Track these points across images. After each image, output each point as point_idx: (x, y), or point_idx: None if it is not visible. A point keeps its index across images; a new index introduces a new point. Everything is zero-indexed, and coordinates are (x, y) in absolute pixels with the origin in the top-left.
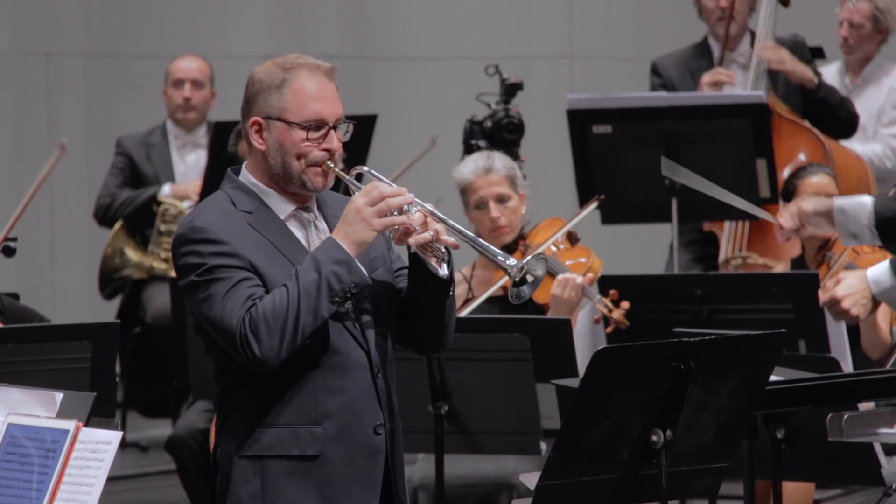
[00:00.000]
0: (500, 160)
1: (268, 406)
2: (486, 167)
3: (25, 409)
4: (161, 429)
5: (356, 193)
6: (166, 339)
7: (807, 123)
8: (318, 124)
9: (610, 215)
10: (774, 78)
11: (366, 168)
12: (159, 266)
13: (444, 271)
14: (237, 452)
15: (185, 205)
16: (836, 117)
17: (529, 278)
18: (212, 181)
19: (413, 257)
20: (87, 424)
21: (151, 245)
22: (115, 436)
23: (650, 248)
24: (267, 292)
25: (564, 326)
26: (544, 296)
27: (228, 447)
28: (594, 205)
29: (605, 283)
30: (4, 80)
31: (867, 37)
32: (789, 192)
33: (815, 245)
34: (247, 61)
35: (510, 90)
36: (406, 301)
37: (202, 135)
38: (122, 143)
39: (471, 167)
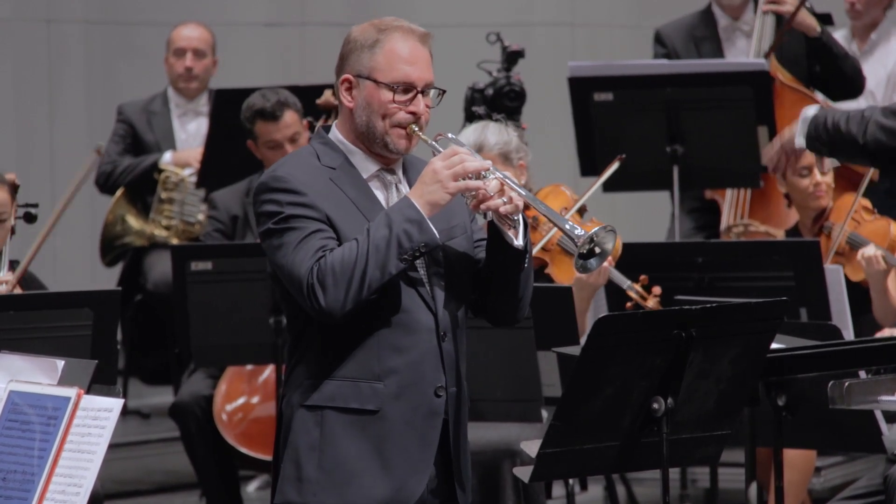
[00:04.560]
0: (493, 135)
1: (333, 359)
2: (477, 145)
3: (27, 377)
4: (162, 396)
5: (436, 156)
6: (167, 307)
7: (810, 91)
8: (407, 87)
9: (611, 183)
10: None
11: (451, 135)
12: (160, 233)
13: (519, 242)
14: (300, 402)
15: (187, 172)
16: (840, 71)
17: (597, 250)
18: (213, 149)
19: (490, 226)
20: (88, 392)
21: (152, 213)
22: (116, 403)
23: (651, 216)
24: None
25: (566, 294)
26: (567, 277)
27: (292, 397)
28: (616, 165)
29: None
30: (6, 47)
31: (874, 1)
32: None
33: (810, 215)
34: (248, 28)
35: (511, 58)
36: (483, 272)
37: (203, 103)
38: (123, 111)
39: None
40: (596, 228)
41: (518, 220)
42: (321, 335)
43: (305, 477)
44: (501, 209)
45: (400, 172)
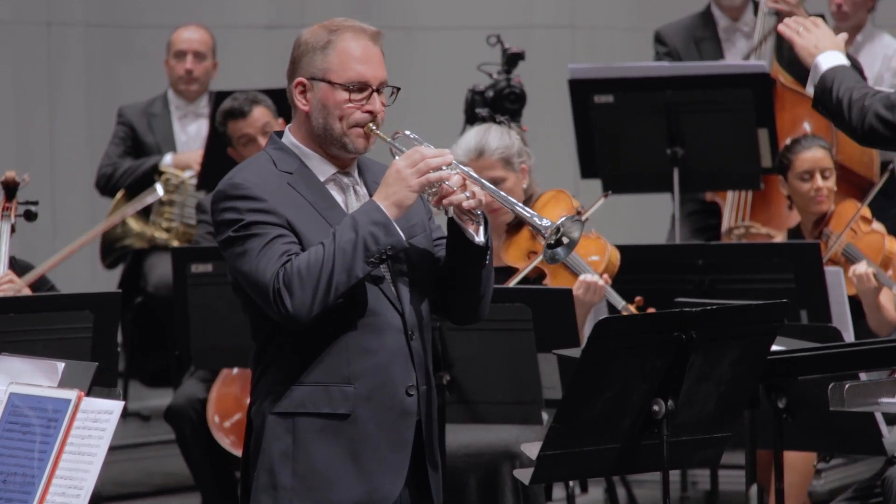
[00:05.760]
0: (495, 138)
1: (301, 364)
2: (478, 150)
3: (27, 379)
4: (163, 398)
5: (397, 157)
6: (168, 309)
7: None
8: (361, 86)
9: (611, 185)
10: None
11: (408, 132)
12: (161, 236)
13: (480, 238)
14: (270, 409)
15: (187, 174)
16: None
17: (565, 240)
18: (213, 151)
19: (450, 223)
20: (88, 394)
21: (153, 215)
22: (116, 405)
23: (652, 219)
24: (303, 250)
25: (566, 296)
26: None
27: (262, 405)
28: (601, 202)
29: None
30: (6, 49)
31: (861, 3)
32: (784, 167)
33: (811, 218)
34: (248, 31)
35: (512, 60)
36: (443, 271)
37: (204, 105)
38: (123, 113)
39: (464, 148)
40: (562, 218)
41: (480, 215)
42: (288, 342)
43: (280, 485)
44: (465, 204)
45: (356, 174)
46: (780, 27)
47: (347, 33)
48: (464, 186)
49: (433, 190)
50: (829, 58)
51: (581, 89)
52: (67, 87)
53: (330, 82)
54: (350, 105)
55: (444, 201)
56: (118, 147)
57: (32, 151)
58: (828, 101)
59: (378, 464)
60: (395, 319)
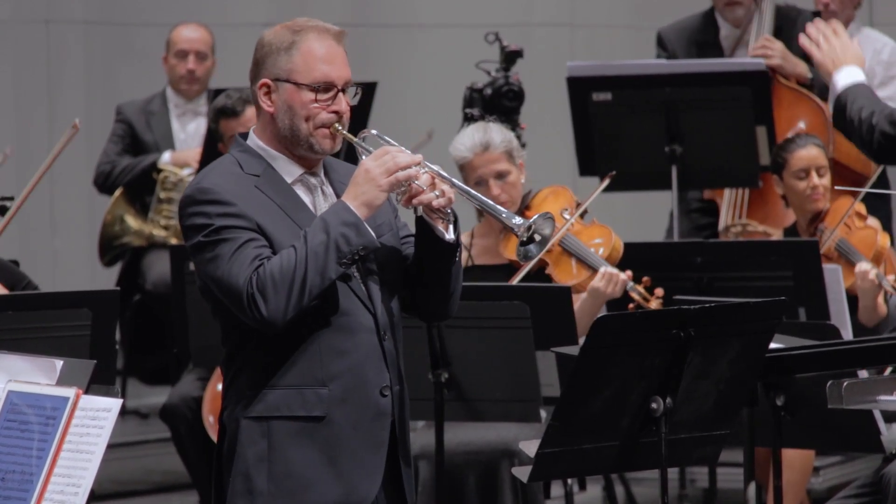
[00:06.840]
0: (497, 133)
1: (274, 367)
2: (483, 144)
3: (26, 377)
4: (161, 396)
5: (366, 157)
6: (166, 307)
7: (807, 91)
8: (327, 86)
9: (610, 183)
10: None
11: (374, 131)
12: (159, 233)
13: (450, 235)
14: (244, 414)
15: (186, 172)
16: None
17: (537, 237)
18: (211, 149)
19: (419, 221)
20: (87, 392)
21: (151, 213)
22: (115, 403)
23: (650, 216)
24: (274, 254)
25: (564, 294)
26: (568, 279)
27: (235, 409)
28: (607, 182)
29: None
30: (5, 48)
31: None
32: (779, 165)
33: (807, 216)
34: (248, 29)
35: (510, 58)
36: (412, 268)
37: (203, 103)
38: (122, 111)
39: (468, 144)
40: (535, 217)
41: (450, 213)
42: (260, 345)
43: (256, 489)
44: (434, 203)
45: (322, 174)
46: (802, 39)
47: (311, 33)
48: (433, 185)
49: (402, 189)
50: (845, 75)
51: (579, 87)
52: (67, 85)
53: (295, 83)
54: (316, 105)
55: (414, 200)
56: (116, 145)
57: (32, 150)
58: (843, 121)
59: (355, 465)
60: (368, 320)
